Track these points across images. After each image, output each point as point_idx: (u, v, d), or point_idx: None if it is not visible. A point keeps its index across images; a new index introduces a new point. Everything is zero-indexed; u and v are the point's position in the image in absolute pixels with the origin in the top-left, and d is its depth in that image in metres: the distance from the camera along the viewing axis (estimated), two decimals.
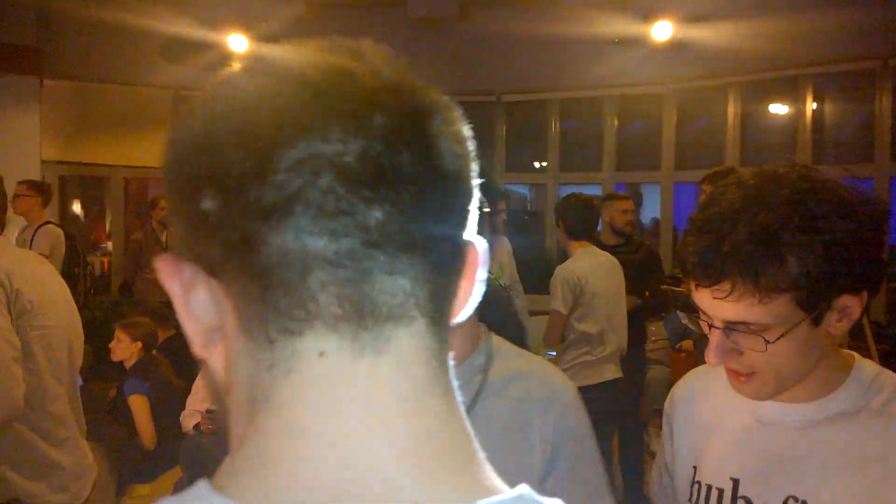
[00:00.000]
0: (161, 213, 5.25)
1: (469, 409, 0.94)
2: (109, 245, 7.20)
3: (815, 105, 5.69)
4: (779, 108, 6.23)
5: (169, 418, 3.42)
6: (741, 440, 1.05)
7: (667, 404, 1.19)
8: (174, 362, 3.73)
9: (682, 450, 1.13)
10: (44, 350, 1.68)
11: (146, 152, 6.70)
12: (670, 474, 1.16)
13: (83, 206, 7.71)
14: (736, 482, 1.01)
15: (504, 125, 7.04)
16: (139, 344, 3.53)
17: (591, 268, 3.26)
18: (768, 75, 5.80)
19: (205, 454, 3.02)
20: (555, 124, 6.91)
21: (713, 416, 1.09)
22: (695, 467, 1.09)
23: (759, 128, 6.24)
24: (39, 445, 1.69)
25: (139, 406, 3.34)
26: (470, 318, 0.88)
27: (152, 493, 3.30)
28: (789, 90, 5.80)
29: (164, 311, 3.97)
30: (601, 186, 6.52)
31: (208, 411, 3.07)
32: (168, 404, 3.48)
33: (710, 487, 1.05)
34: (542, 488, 1.02)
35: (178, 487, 2.99)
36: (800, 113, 5.72)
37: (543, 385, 1.07)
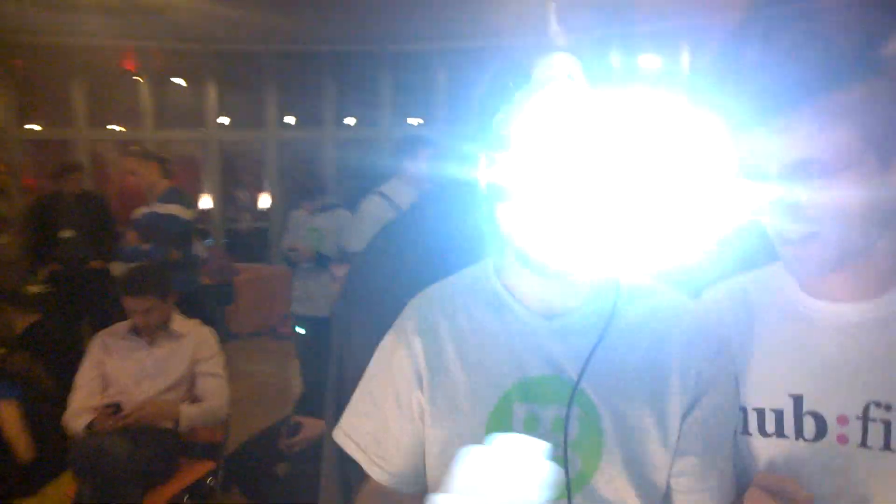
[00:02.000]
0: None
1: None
2: None
3: None
4: None
5: (43, 422, 2.89)
6: (794, 351, 0.92)
7: None
8: (38, 355, 3.16)
9: None
10: None
11: None
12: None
13: None
14: (798, 398, 0.89)
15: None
16: None
17: None
18: None
19: (103, 456, 2.56)
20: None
21: (752, 330, 0.96)
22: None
23: None
24: None
25: (8, 413, 2.79)
26: None
27: None
28: None
29: (22, 296, 3.34)
30: None
31: (108, 406, 2.60)
32: (39, 406, 2.94)
33: (761, 411, 0.92)
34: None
35: (77, 500, 2.53)
36: None
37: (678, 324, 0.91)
